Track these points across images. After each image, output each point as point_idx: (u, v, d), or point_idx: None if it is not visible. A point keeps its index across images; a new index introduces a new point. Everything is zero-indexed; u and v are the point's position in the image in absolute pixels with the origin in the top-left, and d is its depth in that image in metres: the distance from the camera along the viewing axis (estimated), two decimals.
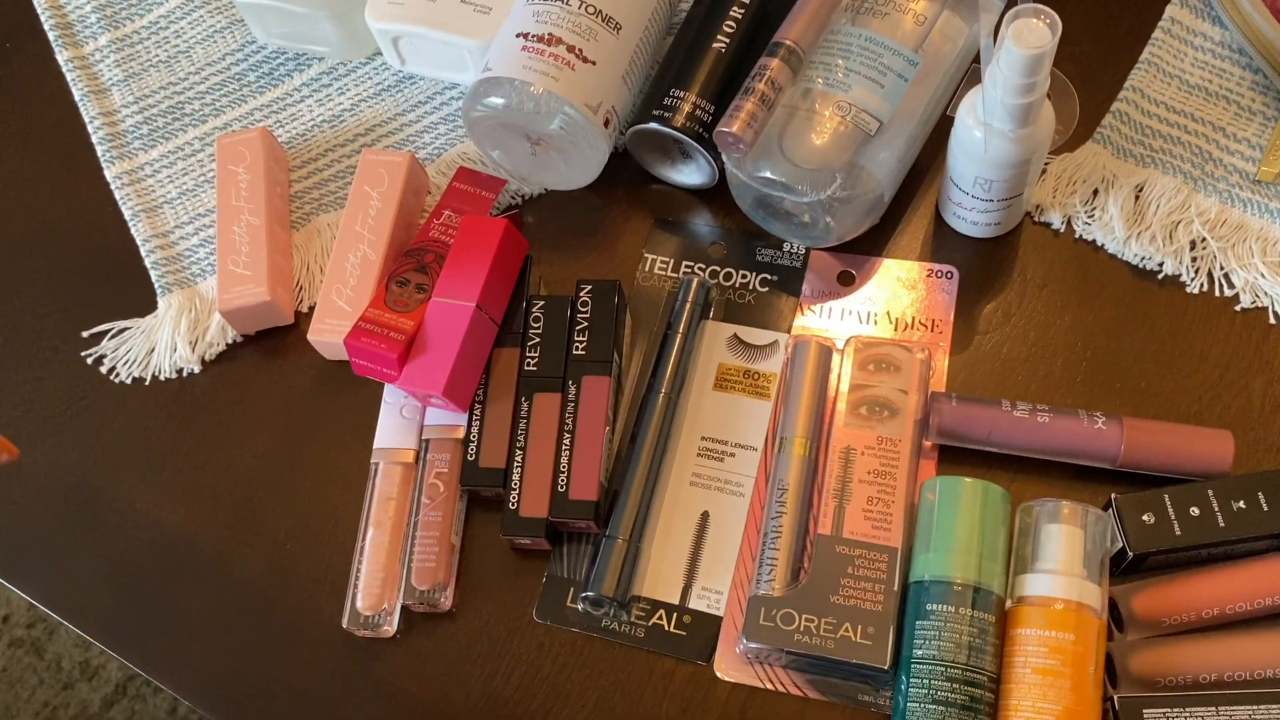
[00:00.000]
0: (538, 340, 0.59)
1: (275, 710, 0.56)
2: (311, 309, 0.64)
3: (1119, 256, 0.60)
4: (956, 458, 0.56)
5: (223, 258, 0.63)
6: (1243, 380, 0.57)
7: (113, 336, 0.65)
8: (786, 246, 0.63)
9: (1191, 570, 0.52)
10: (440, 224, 0.61)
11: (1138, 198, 0.61)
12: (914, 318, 0.60)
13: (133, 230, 0.67)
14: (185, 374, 0.64)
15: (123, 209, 0.68)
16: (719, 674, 0.53)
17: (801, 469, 0.56)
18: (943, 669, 0.49)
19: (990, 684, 0.49)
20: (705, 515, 0.57)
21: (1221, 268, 0.59)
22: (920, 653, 0.49)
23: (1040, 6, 0.50)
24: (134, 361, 0.64)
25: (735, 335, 0.61)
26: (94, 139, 0.70)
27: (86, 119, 0.70)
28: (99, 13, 0.74)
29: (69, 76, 0.72)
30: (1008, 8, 0.51)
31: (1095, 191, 0.61)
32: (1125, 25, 0.66)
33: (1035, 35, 0.50)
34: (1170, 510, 0.52)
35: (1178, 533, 0.51)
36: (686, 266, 0.63)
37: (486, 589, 0.57)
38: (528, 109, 0.59)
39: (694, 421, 0.59)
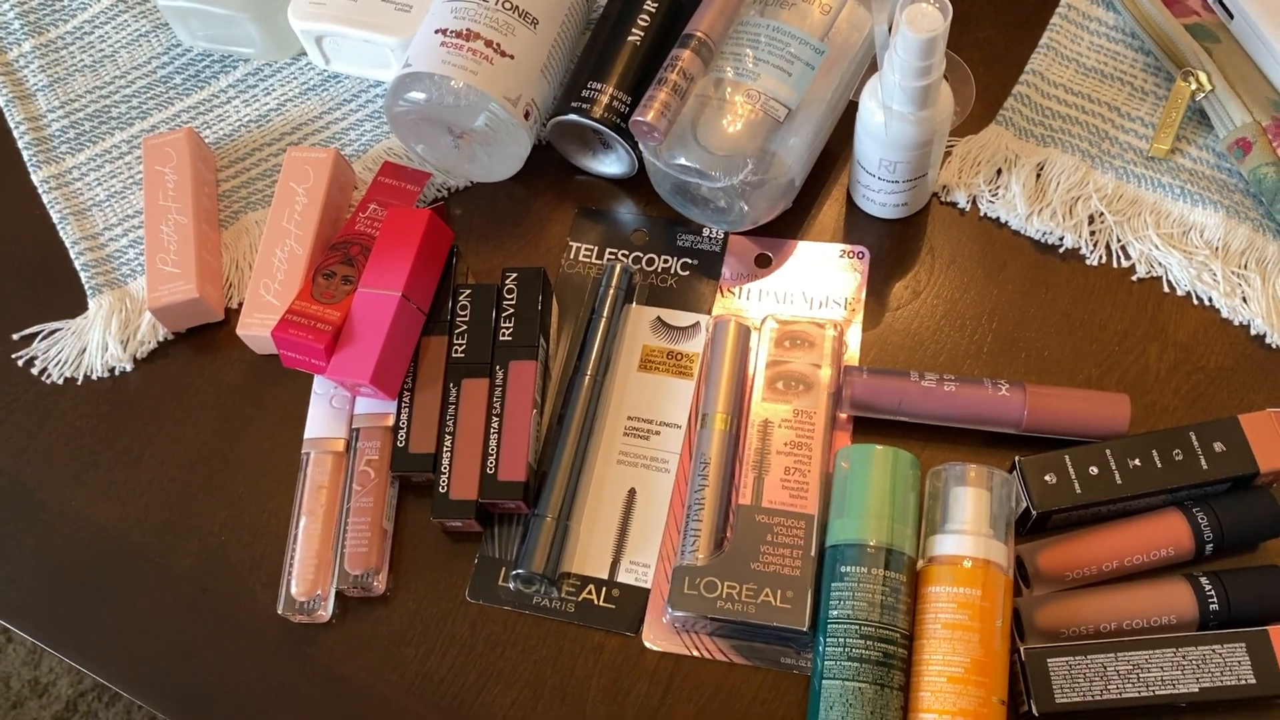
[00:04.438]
0: (465, 328, 0.61)
1: (214, 699, 0.57)
2: (242, 305, 0.64)
3: (1022, 232, 0.63)
4: (870, 428, 0.58)
5: (151, 257, 0.63)
6: (1140, 347, 0.60)
7: (44, 338, 0.65)
8: (706, 232, 0.65)
9: (1092, 527, 0.55)
10: (366, 217, 0.62)
11: (1039, 176, 0.63)
12: (828, 296, 0.63)
13: (61, 233, 0.68)
14: (117, 373, 0.64)
15: (51, 213, 0.68)
16: (647, 644, 0.55)
17: (723, 443, 0.57)
18: (857, 628, 0.51)
19: (903, 641, 0.51)
20: (632, 492, 0.59)
21: (1119, 240, 0.62)
22: (836, 613, 0.51)
23: None
24: (65, 362, 0.64)
25: (658, 318, 0.63)
26: (20, 144, 0.70)
27: (12, 124, 0.71)
28: (22, 19, 0.74)
29: None
30: None
31: (998, 171, 0.64)
32: (1026, 11, 0.69)
33: (928, 19, 0.52)
34: (1071, 470, 0.54)
35: (1078, 491, 0.54)
36: (610, 253, 0.65)
37: (420, 572, 0.58)
38: (448, 103, 0.60)
39: (620, 402, 0.61)
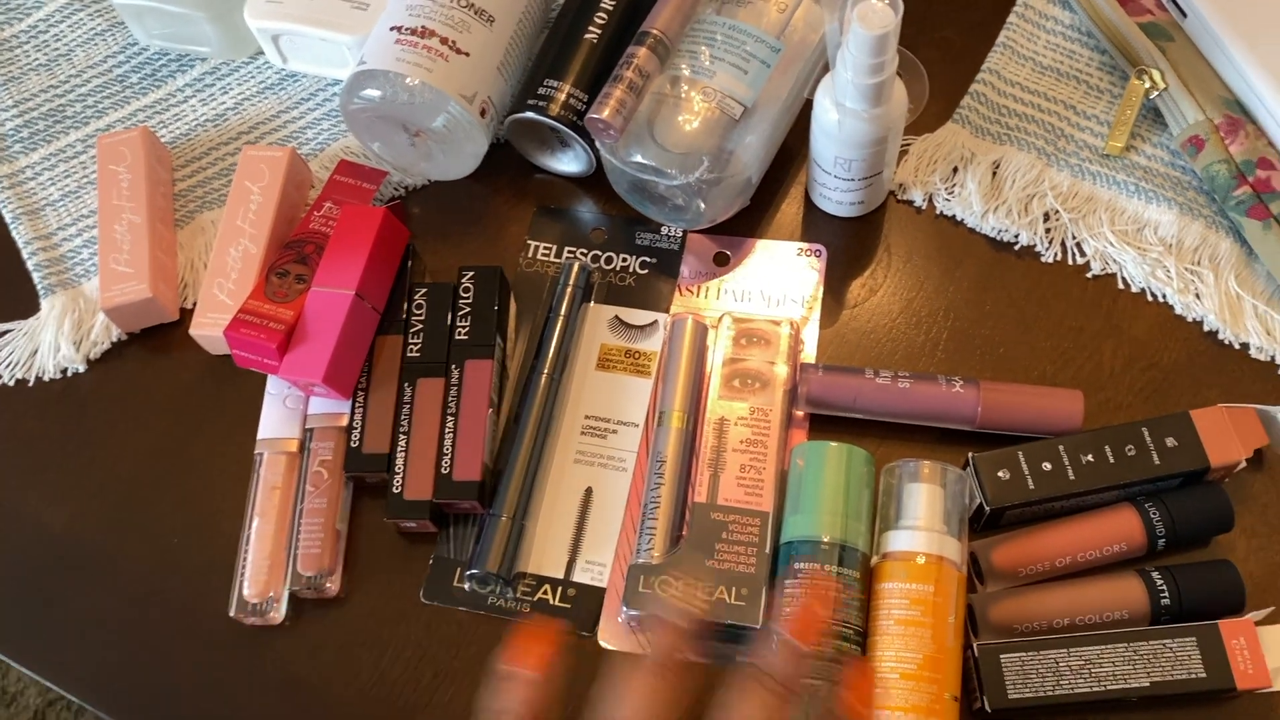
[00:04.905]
0: (420, 327, 0.60)
1: (167, 702, 0.56)
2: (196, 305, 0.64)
3: (977, 230, 0.63)
4: (826, 426, 0.58)
5: (104, 256, 0.63)
6: (1094, 343, 0.60)
7: None
8: (665, 230, 0.65)
9: (1045, 524, 0.55)
10: (321, 216, 0.62)
11: (994, 174, 0.64)
12: (786, 295, 0.63)
13: (14, 233, 0.67)
14: (70, 374, 0.64)
15: (3, 212, 0.68)
16: (603, 643, 0.55)
17: (679, 441, 0.57)
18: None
19: (857, 637, 0.51)
20: (589, 491, 0.58)
21: (1074, 237, 0.62)
22: (790, 611, 0.51)
23: None
24: (17, 363, 0.64)
25: (617, 316, 0.63)
26: None
27: None
28: None
29: None
30: None
31: (955, 169, 0.64)
32: (984, 11, 0.69)
33: (879, 16, 0.52)
34: (1024, 466, 0.54)
35: (1031, 487, 0.54)
36: (569, 252, 0.65)
37: (375, 574, 0.58)
38: (402, 100, 0.60)
39: (578, 401, 0.61)
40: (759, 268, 0.63)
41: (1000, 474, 0.54)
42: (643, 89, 0.59)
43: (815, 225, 0.64)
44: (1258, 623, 0.51)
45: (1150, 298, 0.61)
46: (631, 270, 0.64)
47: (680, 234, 0.65)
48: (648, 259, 0.64)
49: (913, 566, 0.51)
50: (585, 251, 0.65)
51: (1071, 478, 0.54)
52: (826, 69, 0.59)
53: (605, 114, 0.58)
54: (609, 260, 0.64)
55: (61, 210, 0.68)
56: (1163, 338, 0.60)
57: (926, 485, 0.53)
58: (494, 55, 0.62)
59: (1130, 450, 0.54)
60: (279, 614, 0.56)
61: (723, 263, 0.64)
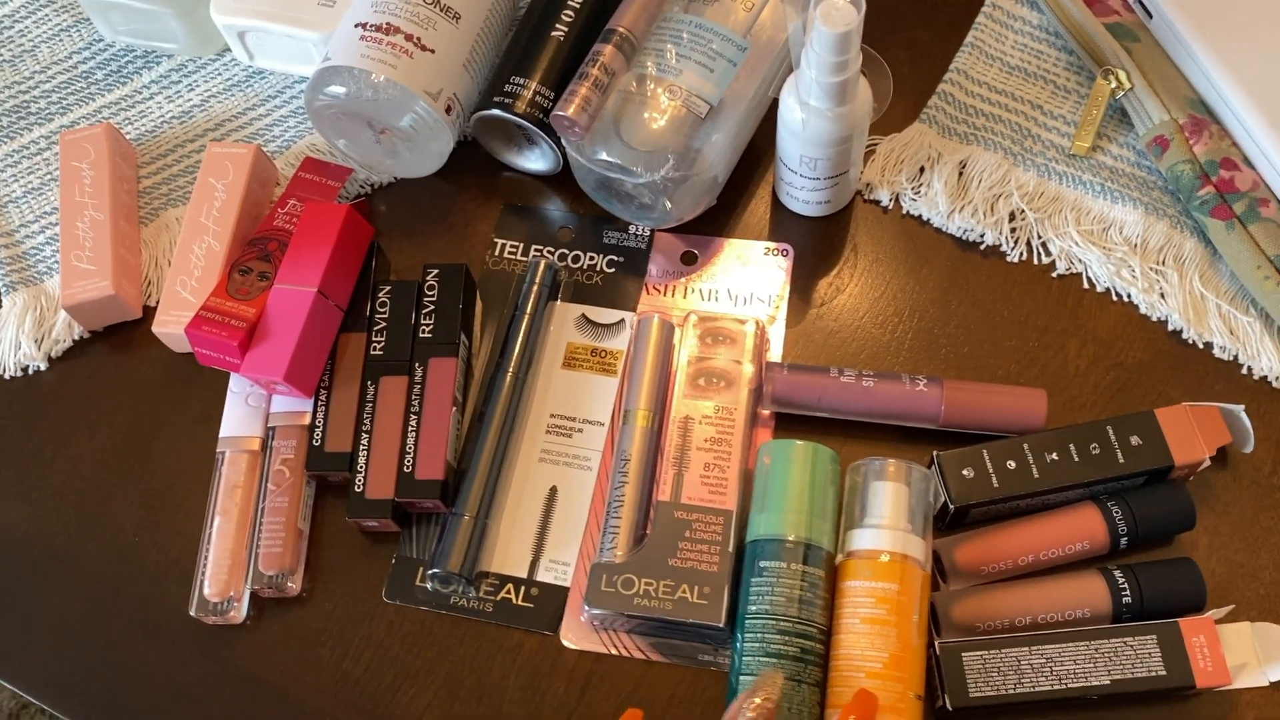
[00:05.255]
0: (384, 325, 0.60)
1: (127, 702, 0.55)
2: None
3: (943, 230, 0.63)
4: (792, 425, 0.58)
5: (66, 253, 0.62)
6: (1059, 342, 0.60)
7: None
8: (632, 229, 0.65)
9: (1008, 522, 0.55)
10: (285, 213, 0.62)
11: (961, 174, 0.64)
12: (753, 294, 0.63)
13: None
14: (31, 371, 0.63)
15: None
16: (566, 642, 0.55)
17: (644, 440, 0.57)
18: (774, 622, 0.50)
19: (820, 636, 0.51)
20: (554, 490, 0.58)
21: (1039, 237, 0.62)
22: (754, 608, 0.51)
23: None
24: None
25: (583, 315, 0.63)
26: None
27: None
28: None
29: None
30: None
31: (921, 169, 0.64)
32: (954, 11, 0.69)
33: (842, 15, 0.52)
34: (989, 464, 0.54)
35: (996, 485, 0.54)
36: (536, 250, 0.64)
37: (337, 574, 0.57)
38: (367, 97, 0.60)
39: (543, 399, 0.60)
40: (726, 267, 0.63)
41: (965, 472, 0.54)
42: (609, 87, 0.59)
43: (783, 225, 0.64)
44: (1218, 621, 0.51)
45: (1115, 297, 0.61)
46: (599, 269, 0.64)
47: (648, 233, 0.64)
48: (615, 258, 0.64)
49: (877, 565, 0.51)
50: (553, 250, 0.64)
51: (1036, 476, 0.54)
52: (792, 69, 0.59)
53: (570, 111, 0.58)
54: (576, 259, 0.64)
55: (24, 207, 0.67)
56: (1127, 337, 0.60)
57: (892, 484, 0.53)
58: (460, 52, 0.62)
59: (1095, 449, 0.54)
60: (240, 613, 0.56)
61: (690, 262, 0.64)
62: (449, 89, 0.61)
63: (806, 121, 0.57)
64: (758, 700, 0.46)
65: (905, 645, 0.50)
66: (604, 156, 0.59)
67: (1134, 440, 0.54)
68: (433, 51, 0.61)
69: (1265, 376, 0.58)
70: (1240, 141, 0.61)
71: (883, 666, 0.49)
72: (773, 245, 0.64)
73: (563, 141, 0.61)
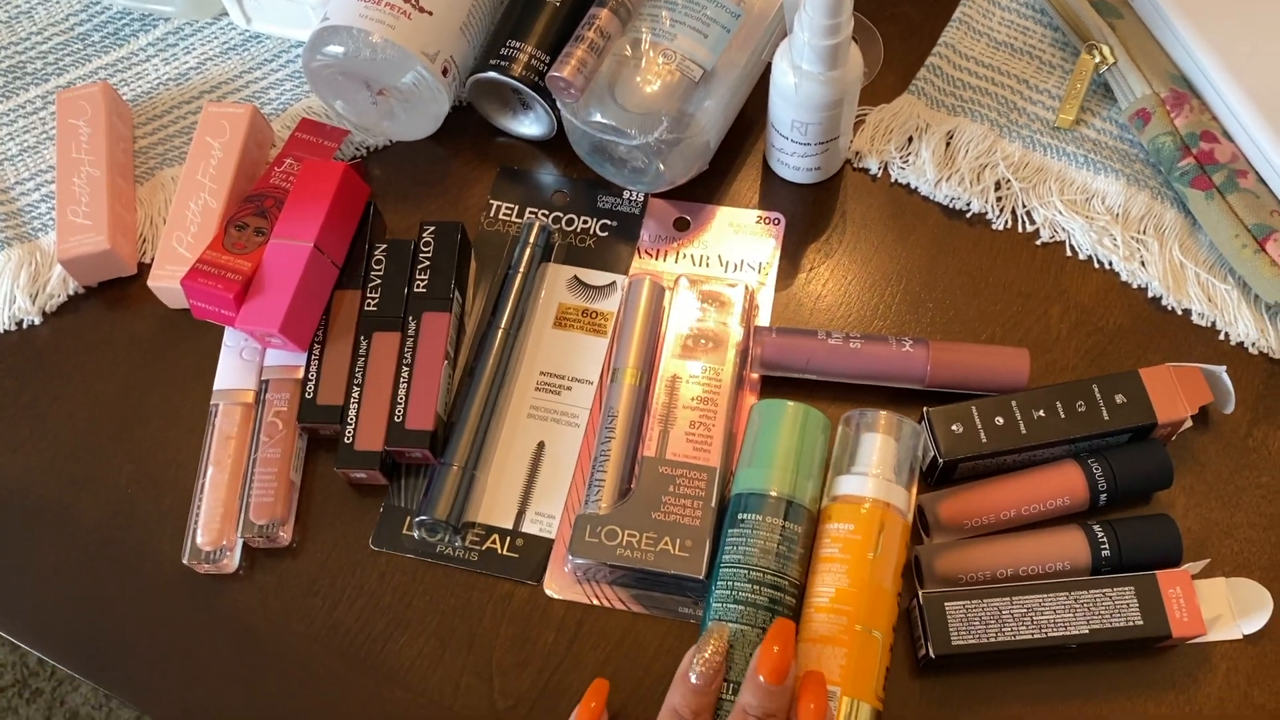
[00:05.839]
0: (379, 282, 0.61)
1: (119, 652, 0.56)
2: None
3: (931, 198, 0.64)
4: (779, 388, 0.59)
5: (62, 208, 0.63)
6: (1042, 308, 0.61)
7: None
8: (626, 194, 0.65)
9: (991, 479, 0.56)
10: (281, 172, 0.62)
11: (948, 144, 0.65)
12: (743, 260, 0.63)
13: None
14: (25, 326, 0.63)
15: None
16: (549, 592, 0.55)
17: (632, 397, 0.58)
18: (747, 571, 0.51)
19: (793, 590, 0.52)
20: (541, 445, 0.59)
21: (1024, 206, 0.63)
22: (729, 557, 0.52)
23: None
24: None
25: (575, 277, 0.63)
26: None
27: None
28: None
29: None
30: None
31: (910, 139, 0.65)
32: None
33: None
34: (977, 420, 0.55)
35: (984, 440, 0.55)
36: (531, 213, 0.65)
37: (328, 524, 0.58)
38: (364, 57, 0.60)
39: (533, 357, 0.61)
40: (718, 234, 0.64)
41: (954, 427, 0.55)
42: (604, 50, 0.60)
43: (774, 193, 0.65)
44: (1194, 575, 0.52)
45: (1097, 265, 0.62)
46: (592, 232, 0.65)
47: (642, 199, 0.65)
48: (608, 222, 0.65)
49: (858, 510, 0.52)
50: (547, 213, 0.65)
51: (1023, 432, 0.55)
52: (785, 35, 0.60)
53: (566, 73, 0.59)
54: (570, 222, 0.65)
55: (20, 165, 0.67)
56: (1108, 303, 0.61)
57: (881, 435, 0.54)
58: (457, 15, 0.63)
59: (1081, 406, 0.55)
60: (232, 562, 0.56)
61: (683, 228, 0.65)
62: (446, 51, 0.62)
63: (798, 85, 0.58)
64: (706, 654, 0.48)
65: (855, 580, 0.50)
66: (598, 118, 0.59)
67: (1119, 398, 0.55)
68: (430, 14, 0.61)
69: (1241, 342, 0.60)
70: (1220, 116, 0.62)
71: (829, 601, 0.50)
72: (764, 213, 0.64)
73: (558, 104, 0.61)
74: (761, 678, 0.46)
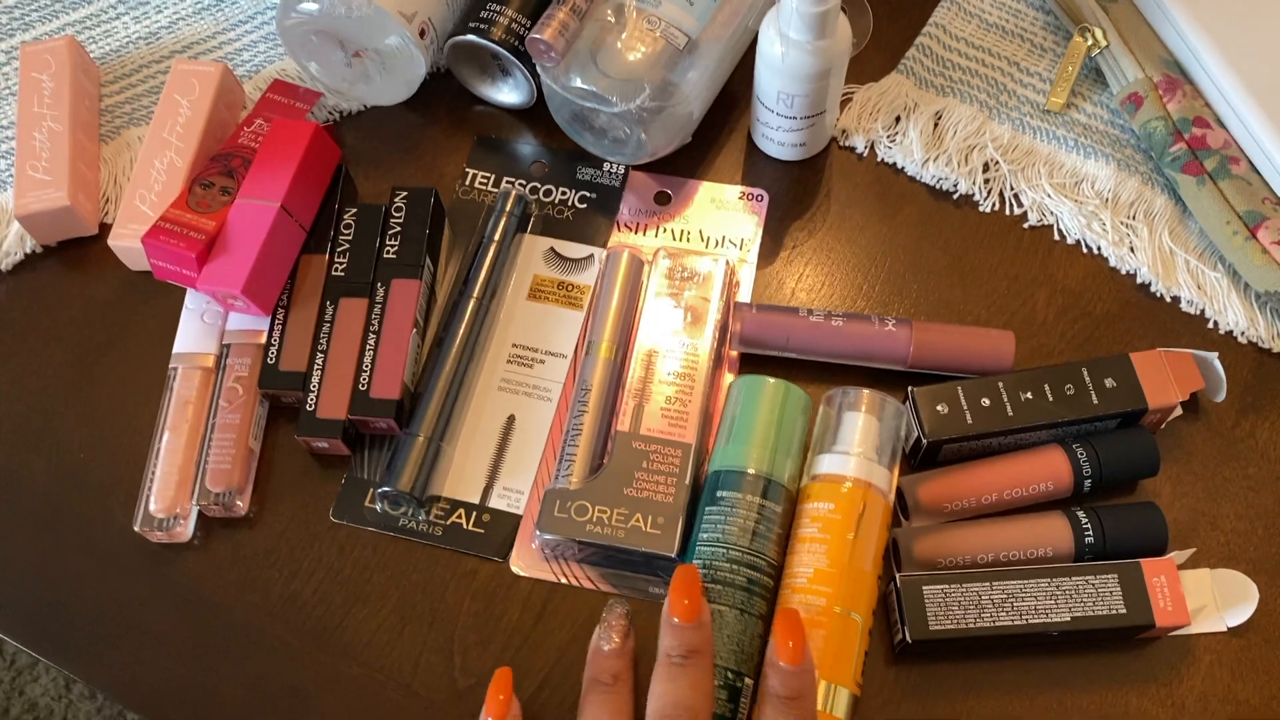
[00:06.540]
0: (348, 247, 0.59)
1: (67, 622, 0.53)
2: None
3: (917, 178, 0.63)
4: (758, 365, 0.57)
5: (21, 163, 0.60)
6: (1029, 291, 0.60)
7: None
8: (607, 166, 0.64)
9: (974, 462, 0.54)
10: (251, 132, 0.60)
11: (936, 124, 0.64)
12: (725, 236, 0.62)
13: None
14: None
15: None
16: (515, 569, 0.53)
17: (606, 371, 0.56)
18: (725, 550, 0.49)
19: (770, 570, 0.50)
20: (511, 418, 0.57)
21: (1012, 188, 0.62)
22: (706, 536, 0.50)
23: None
24: None
25: (552, 248, 0.62)
26: None
27: None
28: None
29: None
30: None
31: (897, 118, 0.64)
32: None
33: None
34: (963, 401, 0.54)
35: (969, 422, 0.53)
36: (508, 182, 0.63)
37: (288, 495, 0.56)
38: (339, 14, 0.58)
39: (506, 329, 0.59)
40: (700, 209, 0.63)
41: (939, 408, 0.53)
42: (586, 14, 0.58)
43: (758, 169, 0.64)
44: (1180, 565, 0.51)
45: (1085, 249, 0.61)
46: (570, 204, 0.63)
47: (622, 171, 0.64)
48: (588, 194, 0.63)
49: (837, 490, 0.50)
50: (525, 183, 0.63)
51: (1010, 414, 0.53)
52: (773, 3, 0.59)
53: (547, 35, 0.57)
54: (548, 193, 0.63)
55: None
56: (1096, 288, 0.60)
57: (864, 414, 0.52)
58: None
59: (1069, 389, 0.53)
60: (186, 531, 0.54)
61: (664, 202, 0.63)
62: (424, 12, 0.60)
63: (785, 54, 0.56)
64: (612, 620, 0.48)
65: (835, 561, 0.49)
66: (579, 84, 0.58)
67: (1108, 382, 0.54)
68: None
69: (1231, 330, 0.58)
70: (1213, 102, 0.61)
71: (807, 581, 0.49)
72: (747, 189, 0.63)
73: (538, 69, 0.60)
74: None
